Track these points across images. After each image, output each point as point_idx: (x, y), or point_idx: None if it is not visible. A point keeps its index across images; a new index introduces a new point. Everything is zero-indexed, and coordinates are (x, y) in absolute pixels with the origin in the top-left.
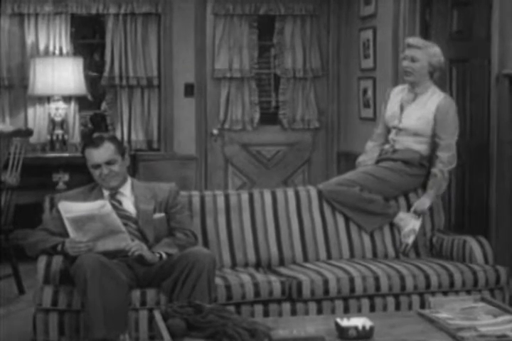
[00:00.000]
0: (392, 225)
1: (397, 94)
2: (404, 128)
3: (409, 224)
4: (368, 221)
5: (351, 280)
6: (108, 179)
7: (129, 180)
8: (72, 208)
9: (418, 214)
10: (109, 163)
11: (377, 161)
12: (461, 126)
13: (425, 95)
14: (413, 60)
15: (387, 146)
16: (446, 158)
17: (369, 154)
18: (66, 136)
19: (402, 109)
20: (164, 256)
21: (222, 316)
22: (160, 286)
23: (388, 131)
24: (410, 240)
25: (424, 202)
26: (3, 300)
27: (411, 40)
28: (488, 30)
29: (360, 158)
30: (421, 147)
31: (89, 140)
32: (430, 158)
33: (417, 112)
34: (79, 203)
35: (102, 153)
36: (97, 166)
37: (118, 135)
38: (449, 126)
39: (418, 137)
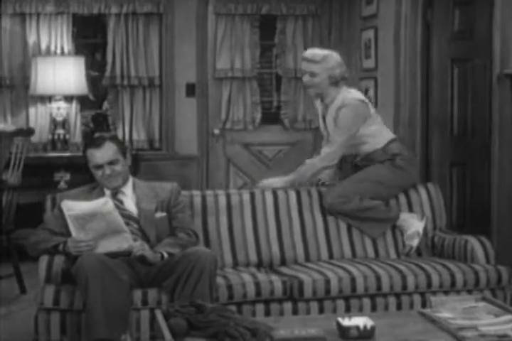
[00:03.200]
0: (394, 226)
1: (318, 106)
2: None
3: (413, 226)
4: (372, 228)
5: (353, 279)
6: (110, 179)
7: (131, 180)
8: (74, 206)
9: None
10: (111, 163)
11: (355, 167)
12: (462, 125)
13: (335, 104)
14: (312, 74)
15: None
16: (326, 153)
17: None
18: (67, 136)
19: (324, 121)
20: (166, 255)
21: (223, 316)
22: (161, 286)
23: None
24: (415, 243)
25: (274, 180)
26: (4, 299)
27: (307, 54)
28: (489, 29)
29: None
30: (364, 147)
31: (90, 140)
32: (392, 147)
33: (330, 122)
34: (81, 202)
35: (103, 153)
36: (99, 166)
37: (119, 135)
38: (340, 122)
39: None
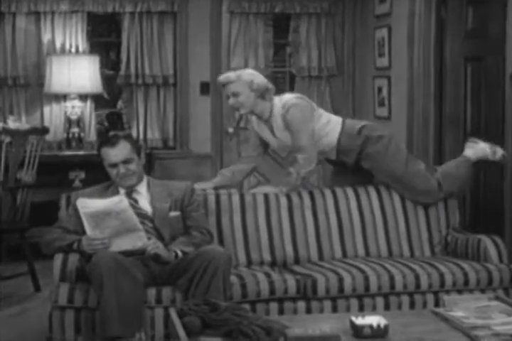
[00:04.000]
0: (408, 223)
1: (258, 127)
2: (293, 150)
3: (484, 149)
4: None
5: (366, 278)
6: (125, 178)
7: (145, 179)
8: (89, 204)
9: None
10: (125, 162)
11: (334, 171)
12: (476, 123)
13: (276, 114)
14: (235, 94)
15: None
16: (302, 159)
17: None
18: (82, 134)
19: (275, 135)
20: (180, 254)
21: (237, 314)
22: (175, 284)
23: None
24: (500, 151)
25: (268, 189)
26: (19, 297)
27: (222, 79)
28: (503, 27)
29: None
30: (326, 140)
31: (105, 139)
32: (348, 138)
33: (282, 134)
34: (96, 200)
35: (118, 152)
36: (114, 165)
37: (134, 133)
38: (294, 126)
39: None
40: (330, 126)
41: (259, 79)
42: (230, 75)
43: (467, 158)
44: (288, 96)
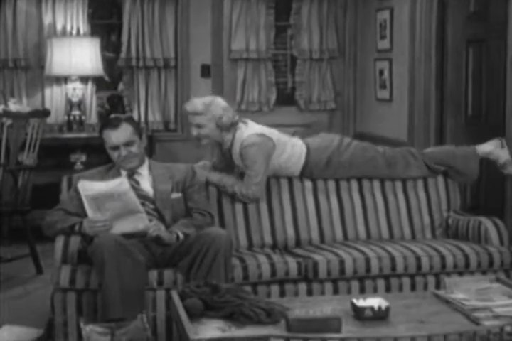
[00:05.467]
0: (409, 205)
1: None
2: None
3: (500, 156)
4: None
5: (367, 260)
6: (127, 160)
7: (147, 161)
8: (90, 186)
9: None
10: (127, 144)
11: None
12: (477, 106)
13: (235, 146)
14: (199, 126)
15: None
16: (247, 193)
17: None
18: (83, 117)
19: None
20: (181, 236)
21: (238, 296)
22: (177, 266)
23: None
24: (510, 170)
25: (207, 174)
26: (21, 279)
27: (188, 108)
28: (505, 11)
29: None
30: (291, 171)
31: (106, 121)
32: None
33: (240, 163)
34: (97, 182)
35: (120, 134)
36: (116, 148)
37: (135, 116)
38: (249, 163)
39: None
40: (293, 159)
41: (228, 114)
42: (198, 106)
43: (474, 149)
44: (249, 133)
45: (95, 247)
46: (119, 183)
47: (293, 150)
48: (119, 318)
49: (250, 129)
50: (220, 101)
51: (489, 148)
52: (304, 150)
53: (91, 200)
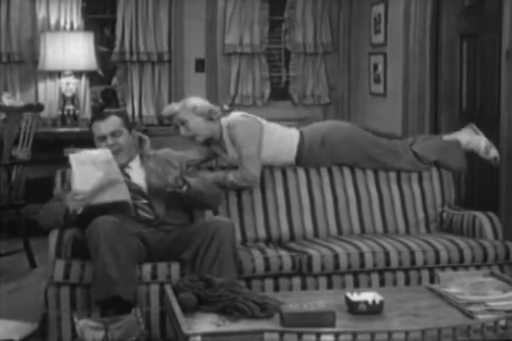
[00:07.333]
0: (403, 200)
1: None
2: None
3: (479, 142)
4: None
5: (361, 255)
6: (114, 155)
7: (138, 156)
8: (80, 154)
9: None
10: (114, 134)
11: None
12: (471, 100)
13: (225, 135)
14: (183, 123)
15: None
16: (239, 175)
17: None
18: (77, 111)
19: (227, 153)
20: (185, 188)
21: (232, 290)
22: (180, 259)
23: None
24: (494, 153)
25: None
26: (14, 274)
27: (166, 112)
28: (499, 5)
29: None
30: (283, 157)
31: (96, 115)
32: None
33: (232, 151)
34: (85, 150)
35: (107, 124)
36: (103, 138)
37: (129, 110)
38: (242, 142)
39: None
40: (287, 140)
41: (201, 102)
42: (173, 106)
43: (458, 142)
44: (234, 115)
45: (92, 227)
46: (103, 152)
47: (285, 131)
48: (117, 295)
49: (234, 114)
50: (192, 98)
51: (467, 137)
52: (297, 133)
53: (79, 165)
